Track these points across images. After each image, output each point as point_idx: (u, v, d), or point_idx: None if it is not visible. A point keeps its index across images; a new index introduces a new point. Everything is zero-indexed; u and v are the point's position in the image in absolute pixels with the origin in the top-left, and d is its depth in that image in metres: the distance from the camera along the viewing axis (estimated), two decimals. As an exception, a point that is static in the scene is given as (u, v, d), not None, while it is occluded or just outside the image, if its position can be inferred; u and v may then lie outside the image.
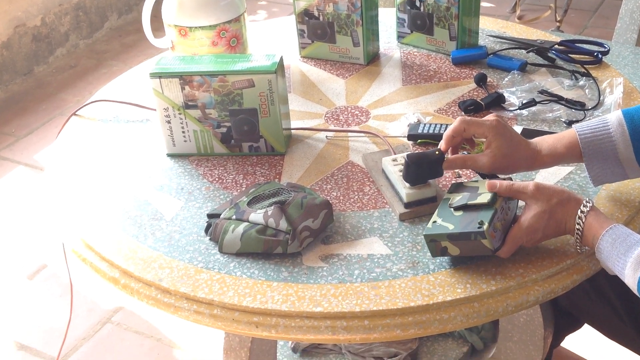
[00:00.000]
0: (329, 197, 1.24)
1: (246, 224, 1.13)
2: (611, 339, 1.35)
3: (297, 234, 1.10)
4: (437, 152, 1.15)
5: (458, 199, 1.08)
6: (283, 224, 1.10)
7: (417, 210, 1.17)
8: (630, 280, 0.94)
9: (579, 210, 0.99)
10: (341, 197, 1.23)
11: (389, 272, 1.06)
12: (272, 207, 1.13)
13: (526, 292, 1.02)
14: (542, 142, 1.11)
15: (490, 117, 1.11)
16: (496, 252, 1.01)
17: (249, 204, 1.17)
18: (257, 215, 1.13)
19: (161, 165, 1.35)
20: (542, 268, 1.04)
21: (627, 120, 1.08)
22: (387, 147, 1.32)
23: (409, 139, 1.37)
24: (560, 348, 1.65)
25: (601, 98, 1.43)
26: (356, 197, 1.23)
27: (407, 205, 1.17)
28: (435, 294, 1.01)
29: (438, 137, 1.33)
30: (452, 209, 1.07)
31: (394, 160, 1.24)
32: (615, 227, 0.97)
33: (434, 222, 1.06)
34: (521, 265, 1.05)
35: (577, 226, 0.99)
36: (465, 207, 1.05)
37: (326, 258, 1.10)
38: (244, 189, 1.27)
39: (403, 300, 1.00)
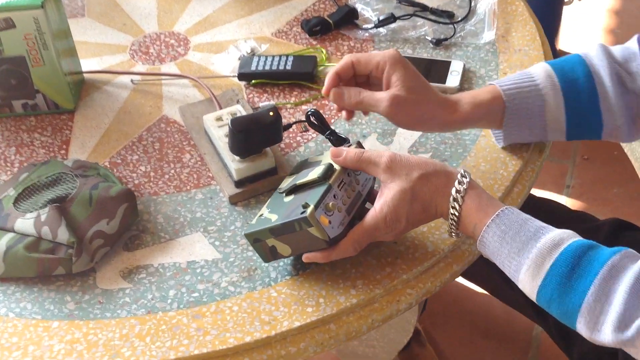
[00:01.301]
0: (135, 175, 0.92)
1: (11, 235, 0.80)
2: (498, 299, 1.17)
3: (86, 245, 0.80)
4: (271, 114, 0.85)
5: (290, 180, 0.81)
6: (63, 234, 0.79)
7: (253, 189, 0.89)
8: (527, 287, 0.72)
9: (453, 189, 0.74)
10: (152, 174, 0.93)
11: (216, 289, 0.79)
12: (47, 208, 0.81)
13: (396, 298, 0.79)
14: (458, 94, 0.87)
15: (387, 50, 0.86)
16: (333, 244, 0.76)
17: (18, 201, 0.84)
18: (25, 222, 0.80)
19: None
20: (414, 262, 0.80)
21: (557, 73, 0.85)
22: (210, 97, 1.01)
23: (240, 79, 1.06)
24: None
25: (472, 4, 1.18)
26: (173, 171, 0.93)
27: (238, 183, 0.88)
28: (278, 319, 0.75)
29: (277, 75, 1.03)
30: (282, 195, 0.80)
31: (219, 119, 0.93)
32: (504, 211, 0.73)
33: (260, 215, 0.79)
34: (387, 262, 0.81)
35: (452, 210, 0.74)
36: (295, 189, 0.79)
37: (130, 273, 0.81)
38: (15, 171, 0.93)
39: (236, 333, 0.74)
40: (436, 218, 0.77)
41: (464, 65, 1.06)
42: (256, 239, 0.77)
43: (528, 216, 0.74)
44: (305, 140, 0.97)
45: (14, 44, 0.94)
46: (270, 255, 0.78)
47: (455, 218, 0.74)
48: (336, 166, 0.78)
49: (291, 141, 0.97)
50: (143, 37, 1.15)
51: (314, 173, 0.78)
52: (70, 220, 0.80)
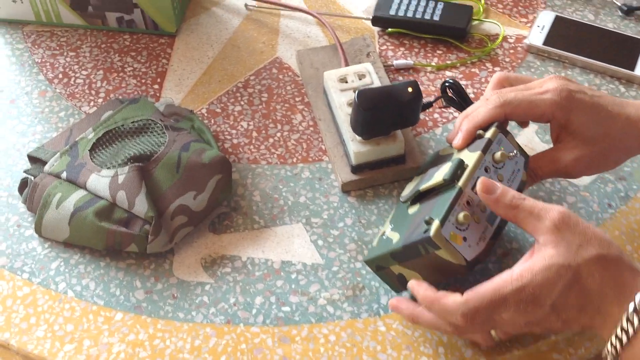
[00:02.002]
0: (235, 132, 0.77)
1: (82, 194, 0.68)
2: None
3: (167, 221, 0.66)
4: (410, 90, 0.68)
5: (414, 184, 0.65)
6: (141, 205, 0.65)
7: (373, 177, 0.73)
8: None
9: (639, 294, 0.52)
10: (254, 134, 0.77)
11: (312, 306, 0.65)
12: (127, 167, 0.67)
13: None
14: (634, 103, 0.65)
15: (550, 82, 0.63)
16: (474, 266, 0.58)
17: (95, 147, 0.71)
18: (100, 181, 0.67)
19: (-27, 41, 0.85)
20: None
21: None
22: (335, 44, 0.83)
23: (374, 24, 0.88)
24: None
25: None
26: (279, 134, 0.77)
27: (356, 168, 0.72)
28: (383, 363, 0.61)
29: (420, 26, 0.85)
30: (406, 205, 0.63)
31: (343, 80, 0.76)
32: None
33: (382, 234, 0.63)
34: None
35: (626, 324, 0.51)
36: (420, 197, 0.62)
37: (213, 264, 0.67)
38: (100, 102, 0.80)
39: (328, 371, 0.60)
40: (588, 329, 0.55)
41: (661, 51, 0.83)
42: (378, 266, 0.61)
43: None
44: (444, 120, 0.79)
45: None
46: (399, 284, 0.62)
47: (627, 337, 0.51)
48: (468, 161, 0.60)
49: (427, 118, 0.79)
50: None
51: (440, 173, 0.61)
52: (152, 187, 0.67)
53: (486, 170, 0.60)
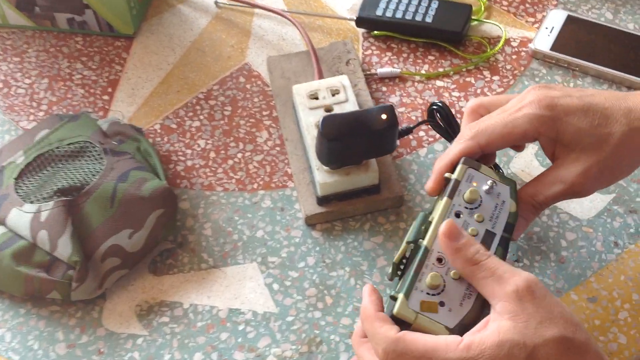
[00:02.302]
0: (190, 152, 0.68)
1: (1, 231, 0.59)
2: None
3: (96, 264, 0.58)
4: (384, 117, 0.58)
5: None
6: (65, 247, 0.57)
7: (341, 210, 0.63)
8: None
9: None
10: (212, 155, 0.68)
11: (259, 366, 0.55)
12: (52, 203, 0.58)
13: None
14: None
15: (527, 95, 0.53)
16: (466, 329, 0.46)
17: (23, 175, 0.62)
18: (22, 217, 0.59)
19: None
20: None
21: None
22: (309, 50, 0.73)
23: (358, 25, 0.77)
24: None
25: None
26: (240, 155, 0.68)
27: (322, 200, 0.62)
28: None
29: (410, 28, 0.75)
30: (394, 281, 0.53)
31: (313, 96, 0.66)
32: None
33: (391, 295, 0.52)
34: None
35: None
36: (396, 270, 0.52)
37: (150, 312, 0.59)
38: (42, 116, 0.71)
39: None
40: None
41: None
42: None
43: None
44: (430, 139, 0.69)
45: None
46: None
47: None
48: (436, 212, 0.51)
49: (410, 137, 0.69)
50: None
51: (407, 236, 0.51)
52: (81, 223, 0.58)
53: (457, 215, 0.50)
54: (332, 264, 0.61)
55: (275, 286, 0.60)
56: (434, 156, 0.67)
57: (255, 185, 0.66)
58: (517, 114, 0.52)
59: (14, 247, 0.58)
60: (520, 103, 0.53)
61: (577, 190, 0.53)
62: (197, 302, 0.59)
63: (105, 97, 0.73)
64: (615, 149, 0.52)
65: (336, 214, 0.63)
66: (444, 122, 0.63)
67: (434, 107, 0.63)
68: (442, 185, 0.53)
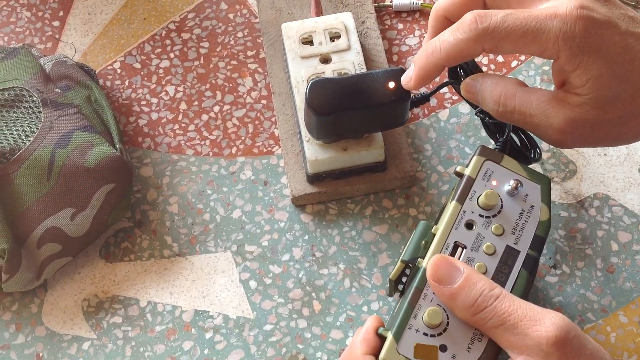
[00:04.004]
0: (155, 101, 0.58)
1: None
2: None
3: (31, 251, 0.49)
4: (391, 85, 0.47)
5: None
6: (-9, 231, 0.47)
7: (337, 191, 0.53)
8: None
9: None
10: (183, 107, 0.58)
11: (227, 386, 0.47)
12: (-23, 170, 0.49)
13: None
14: None
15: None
16: None
17: (-56, 129, 0.52)
18: (-63, 189, 0.49)
19: None
20: None
21: None
22: (311, -25, 0.60)
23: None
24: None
25: None
26: (217, 108, 0.58)
27: (312, 178, 0.52)
28: None
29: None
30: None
31: (307, 41, 0.55)
32: None
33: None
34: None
35: None
36: (395, 287, 0.43)
37: (99, 310, 0.50)
38: (-29, 47, 0.60)
39: None
40: None
41: None
42: None
43: None
44: (454, 99, 0.58)
45: None
46: None
47: None
48: (440, 223, 0.41)
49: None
50: None
51: (403, 254, 0.42)
52: (10, 200, 0.49)
53: (469, 226, 0.41)
54: (324, 258, 0.52)
55: (253, 284, 0.51)
56: (457, 121, 0.56)
57: (233, 150, 0.56)
58: (545, 23, 0.39)
59: None
60: (551, 3, 0.40)
61: (550, 136, 0.41)
62: (156, 299, 0.50)
63: (56, 23, 0.61)
64: (631, 114, 0.40)
65: (330, 194, 0.53)
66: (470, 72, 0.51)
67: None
68: (425, 81, 0.42)
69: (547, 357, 0.35)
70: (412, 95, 0.48)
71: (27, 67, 0.54)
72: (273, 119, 0.57)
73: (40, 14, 0.62)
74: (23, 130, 0.51)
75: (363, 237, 0.52)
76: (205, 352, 0.49)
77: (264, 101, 0.58)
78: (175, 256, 0.52)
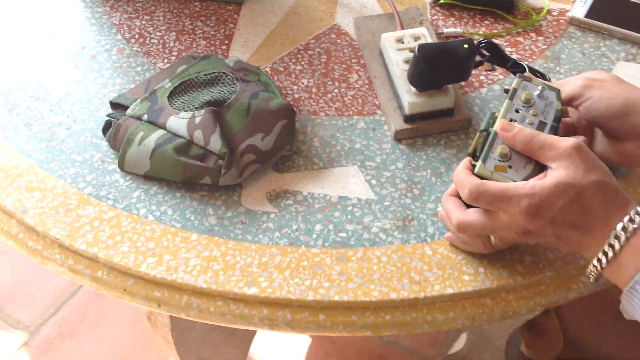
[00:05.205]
0: (296, 87, 0.91)
1: (161, 132, 0.81)
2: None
3: (237, 158, 0.79)
4: (465, 46, 0.80)
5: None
6: (216, 142, 0.79)
7: (423, 127, 0.85)
8: None
9: (627, 217, 0.63)
10: (314, 90, 0.90)
11: (366, 233, 0.77)
12: (204, 110, 0.80)
13: (567, 285, 0.74)
14: None
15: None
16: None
17: (172, 95, 0.84)
18: (178, 122, 0.81)
19: (55, 3, 1.00)
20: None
21: None
22: (392, 12, 0.96)
23: (427, -4, 1.01)
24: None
25: None
26: (336, 90, 0.90)
27: (408, 118, 0.84)
28: (430, 281, 0.73)
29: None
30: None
31: (399, 41, 0.89)
32: None
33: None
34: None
35: (613, 241, 0.63)
36: (473, 157, 0.73)
37: (277, 197, 0.80)
38: (173, 60, 0.94)
39: (381, 287, 0.72)
40: (576, 248, 0.66)
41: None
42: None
43: None
44: (489, 82, 0.91)
45: None
46: None
47: (612, 253, 0.63)
48: (501, 110, 0.73)
49: (473, 79, 0.91)
50: None
51: (481, 127, 0.74)
52: (224, 128, 0.80)
53: (517, 111, 0.72)
54: (417, 167, 0.83)
55: (373, 182, 0.82)
56: (493, 94, 0.90)
57: (350, 112, 0.88)
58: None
59: (175, 143, 0.79)
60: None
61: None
62: (313, 191, 0.81)
63: (224, 47, 0.95)
64: None
65: (419, 130, 0.85)
66: (492, 53, 0.85)
67: (481, 42, 0.85)
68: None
69: (571, 157, 0.66)
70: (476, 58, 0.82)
71: (219, 62, 0.88)
72: (374, 95, 0.90)
73: (212, 42, 0.96)
74: (227, 91, 0.84)
75: (441, 155, 0.84)
76: (348, 217, 0.78)
77: (366, 86, 0.91)
78: (321, 169, 0.83)
